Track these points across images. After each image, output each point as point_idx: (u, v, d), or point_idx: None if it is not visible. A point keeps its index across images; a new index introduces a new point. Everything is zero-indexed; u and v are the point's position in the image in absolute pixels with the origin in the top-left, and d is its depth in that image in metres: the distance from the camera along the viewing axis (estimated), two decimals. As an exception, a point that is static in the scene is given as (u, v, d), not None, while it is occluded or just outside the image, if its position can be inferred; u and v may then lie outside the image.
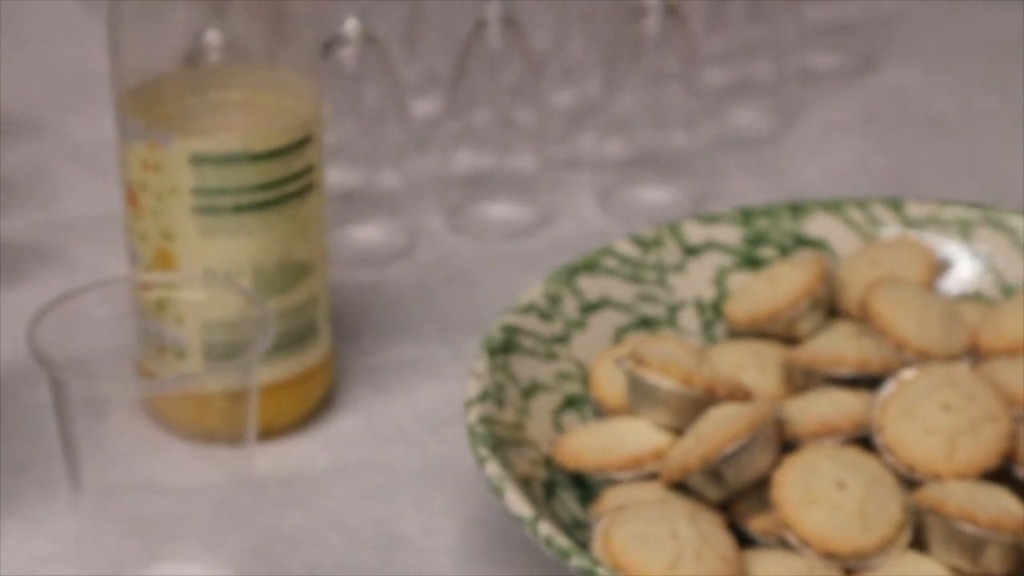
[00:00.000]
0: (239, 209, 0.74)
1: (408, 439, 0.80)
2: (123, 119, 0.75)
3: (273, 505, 0.74)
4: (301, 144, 0.75)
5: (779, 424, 0.67)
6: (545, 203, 1.00)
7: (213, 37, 0.76)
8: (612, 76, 0.99)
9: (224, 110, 0.76)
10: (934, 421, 0.65)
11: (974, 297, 0.80)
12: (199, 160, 0.73)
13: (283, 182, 0.74)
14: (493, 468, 0.63)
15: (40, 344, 0.63)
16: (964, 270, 0.81)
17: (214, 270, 0.75)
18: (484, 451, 0.64)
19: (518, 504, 0.61)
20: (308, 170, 0.76)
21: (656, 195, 1.00)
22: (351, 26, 0.91)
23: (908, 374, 0.68)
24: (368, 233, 0.96)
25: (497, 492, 0.62)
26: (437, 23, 1.05)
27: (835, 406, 0.68)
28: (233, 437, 0.67)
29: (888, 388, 0.67)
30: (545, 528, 0.60)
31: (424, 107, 1.03)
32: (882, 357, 0.71)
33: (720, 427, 0.65)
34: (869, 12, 1.23)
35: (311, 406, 0.80)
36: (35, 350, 0.63)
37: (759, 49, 1.10)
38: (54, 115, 1.09)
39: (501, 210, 0.99)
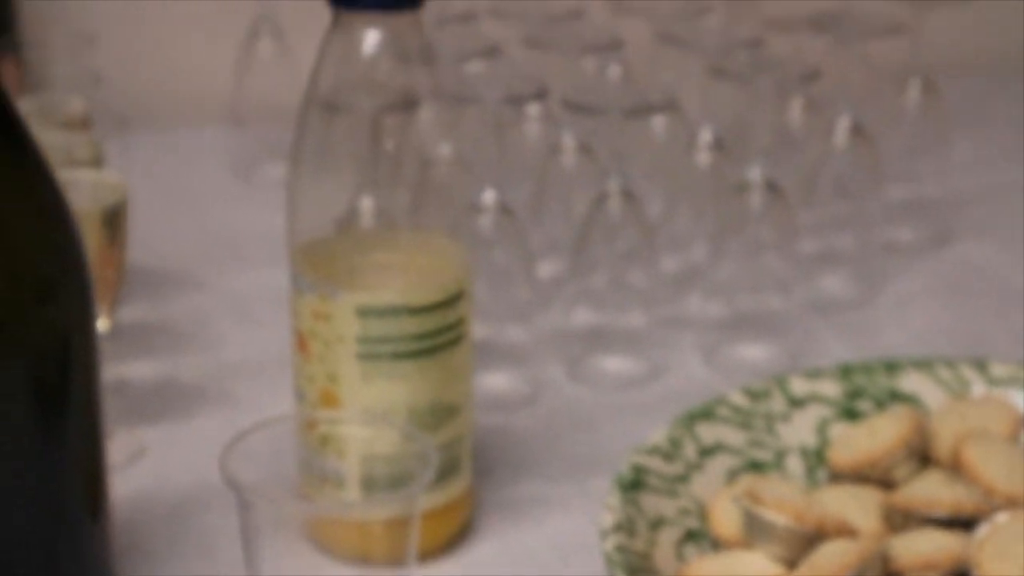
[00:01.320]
0: (397, 356, 0.75)
1: (541, 565, 0.79)
2: (296, 274, 0.77)
3: None
4: (454, 299, 0.76)
5: (884, 559, 0.68)
6: (655, 357, 1.00)
7: (367, 203, 0.78)
8: (716, 244, 1.00)
9: (385, 268, 0.77)
10: None
11: None
12: (364, 312, 0.74)
13: (437, 333, 0.76)
14: None
15: (231, 470, 0.64)
16: None
17: (375, 407, 0.75)
18: (622, 574, 0.65)
19: None
20: (459, 322, 0.77)
21: (755, 352, 1.00)
22: (488, 196, 0.93)
23: (1002, 517, 0.68)
24: (496, 381, 0.95)
25: None
26: (560, 195, 1.05)
27: (934, 544, 0.69)
28: (392, 560, 0.67)
29: (983, 529, 0.68)
30: None
31: (548, 269, 1.03)
32: (974, 502, 0.71)
33: (832, 560, 0.66)
34: (945, 191, 1.22)
35: (454, 533, 0.80)
36: (227, 475, 0.64)
37: (846, 223, 1.10)
38: (211, 270, 1.10)
39: (615, 363, 0.99)
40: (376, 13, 0.74)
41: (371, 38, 0.74)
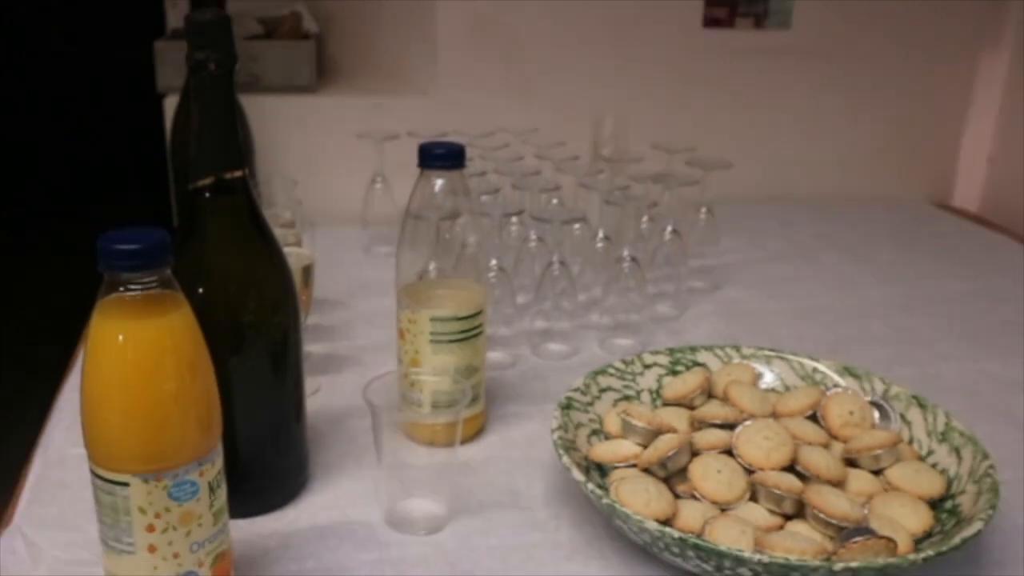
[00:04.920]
0: (450, 341, 0.75)
1: (521, 448, 0.77)
2: (400, 299, 0.76)
3: (465, 473, 0.74)
4: (478, 313, 0.76)
5: (690, 444, 0.68)
6: (575, 344, 0.95)
7: (433, 266, 0.77)
8: (605, 288, 0.97)
9: (443, 297, 0.76)
10: (760, 443, 0.66)
11: (774, 390, 0.79)
12: (434, 319, 0.74)
13: (470, 330, 0.76)
14: (566, 459, 0.64)
15: (367, 396, 0.65)
16: (768, 378, 0.80)
17: (438, 367, 0.75)
18: (561, 451, 0.65)
19: (577, 474, 0.63)
20: (480, 324, 0.77)
21: (625, 343, 0.96)
22: (492, 263, 0.92)
23: (748, 423, 0.69)
24: (496, 355, 0.93)
25: (567, 469, 0.63)
26: (528, 264, 1.00)
27: (715, 437, 0.69)
28: (447, 444, 0.68)
29: (738, 429, 0.69)
30: (590, 486, 0.62)
31: (522, 299, 0.99)
32: (734, 415, 0.71)
33: (665, 443, 0.67)
34: (718, 262, 1.15)
35: (477, 431, 0.79)
36: (366, 398, 0.65)
37: (670, 278, 1.05)
38: (353, 298, 1.07)
39: (556, 347, 0.95)
40: (439, 170, 0.74)
41: (437, 182, 0.74)
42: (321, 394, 0.86)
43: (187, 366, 0.52)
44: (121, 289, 0.50)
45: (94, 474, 0.52)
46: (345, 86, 1.42)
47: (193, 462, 0.52)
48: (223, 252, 0.65)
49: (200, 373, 0.53)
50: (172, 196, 1.16)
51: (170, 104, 1.28)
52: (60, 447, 0.76)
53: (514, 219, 1.02)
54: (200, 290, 0.61)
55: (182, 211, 0.63)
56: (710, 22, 1.41)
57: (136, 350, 0.51)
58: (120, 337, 0.50)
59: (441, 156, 0.73)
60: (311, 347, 0.95)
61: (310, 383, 0.86)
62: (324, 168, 1.34)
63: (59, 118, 3.50)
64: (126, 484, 0.51)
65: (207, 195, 0.63)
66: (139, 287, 0.50)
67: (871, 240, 1.36)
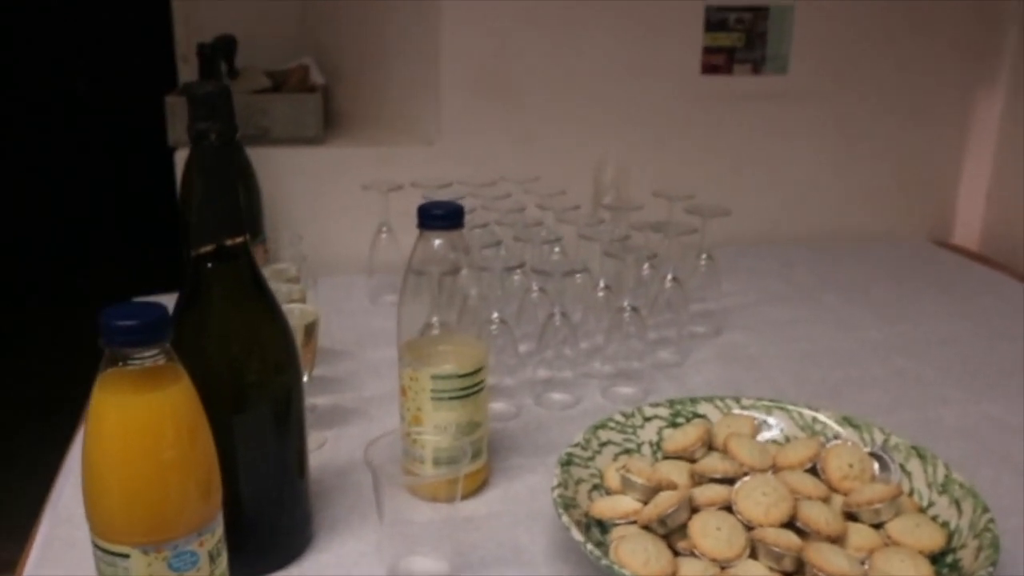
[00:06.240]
0: (451, 398, 0.74)
1: (522, 501, 0.77)
2: (401, 356, 0.76)
3: (468, 529, 0.73)
4: (479, 370, 0.75)
5: (690, 500, 0.67)
6: (578, 393, 0.95)
7: (436, 320, 0.76)
8: (607, 336, 0.96)
9: (445, 353, 0.75)
10: (758, 499, 0.66)
11: (774, 441, 0.78)
12: (435, 377, 0.74)
13: (471, 386, 0.75)
14: (566, 519, 0.64)
15: (369, 457, 0.65)
16: (769, 429, 0.79)
17: (440, 424, 0.75)
18: (561, 510, 0.65)
19: (576, 534, 0.62)
20: (481, 380, 0.76)
21: (627, 390, 0.96)
22: (495, 315, 0.92)
23: (747, 478, 0.68)
24: (500, 405, 0.92)
25: (567, 529, 0.63)
26: (530, 314, 1.02)
27: (715, 492, 0.68)
28: (448, 499, 0.67)
29: (738, 484, 0.68)
30: (589, 546, 0.61)
31: (524, 348, 0.98)
32: (734, 469, 0.70)
33: (665, 500, 0.66)
34: (719, 306, 1.14)
35: (479, 485, 0.79)
36: (367, 460, 0.64)
37: (671, 324, 1.04)
38: (359, 349, 1.06)
39: (558, 396, 0.95)
40: (439, 231, 0.74)
41: (437, 240, 0.74)
42: (327, 448, 0.86)
43: (187, 439, 0.52)
44: (121, 364, 0.50)
45: (95, 545, 0.52)
46: (352, 137, 1.43)
47: (193, 533, 0.52)
48: (225, 316, 0.65)
49: (199, 445, 0.53)
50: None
51: (180, 158, 1.29)
52: (68, 505, 0.76)
53: (516, 273, 1.02)
54: (204, 353, 0.62)
55: (185, 273, 0.64)
56: (708, 69, 1.41)
57: (136, 425, 0.51)
58: (120, 412, 0.50)
59: (440, 217, 0.73)
60: (317, 399, 0.95)
61: (316, 437, 0.87)
62: (331, 218, 1.34)
63: (73, 171, 3.51)
64: (127, 556, 0.51)
65: (209, 262, 0.63)
66: (139, 361, 0.50)
67: (872, 280, 1.35)
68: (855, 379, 1.02)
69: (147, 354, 0.50)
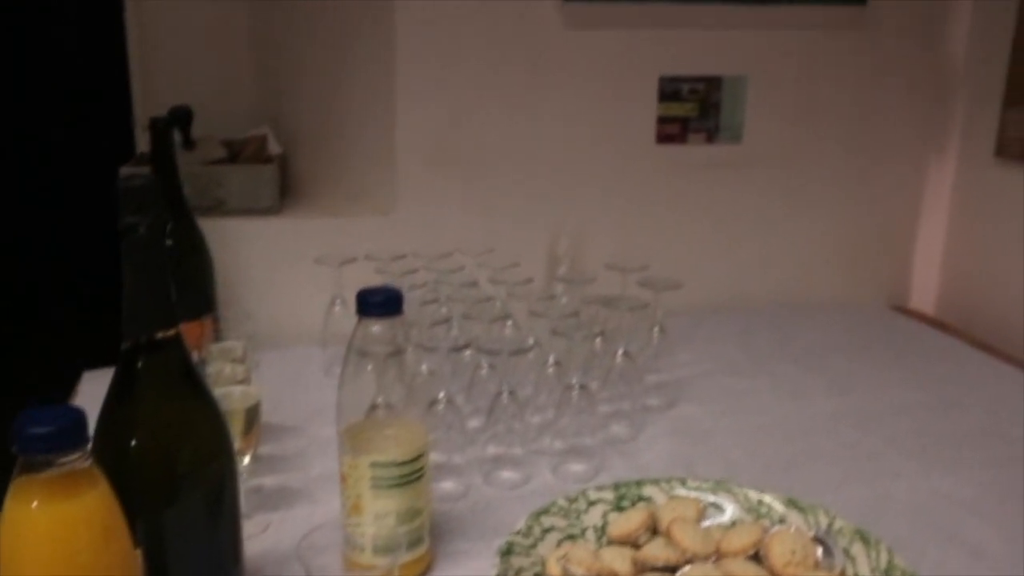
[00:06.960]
0: (390, 486, 0.73)
1: None
2: (341, 443, 0.75)
3: None
4: (420, 456, 0.74)
5: None
6: (527, 471, 0.94)
7: (380, 401, 0.75)
8: (557, 412, 0.95)
9: (386, 439, 0.74)
10: None
11: (718, 526, 0.77)
12: (374, 465, 0.73)
13: (410, 474, 0.74)
14: None
15: (303, 552, 0.63)
16: (714, 512, 0.79)
17: (380, 512, 0.73)
18: None
19: None
20: (422, 467, 0.75)
21: (578, 468, 0.95)
22: (440, 395, 0.91)
23: (689, 568, 0.69)
24: (446, 485, 0.91)
25: None
26: (480, 392, 1.00)
27: None
28: None
29: (683, 571, 0.68)
30: None
31: (473, 425, 0.98)
32: (676, 556, 0.70)
33: None
34: (672, 378, 1.15)
35: (422, 571, 0.77)
36: (300, 555, 0.63)
37: (623, 397, 1.04)
38: (307, 424, 1.04)
39: (508, 474, 0.94)
40: (378, 318, 0.74)
41: (377, 325, 0.73)
42: (270, 533, 0.84)
43: (103, 544, 0.51)
44: (34, 471, 0.49)
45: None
46: (307, 207, 1.43)
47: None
48: (156, 407, 0.64)
49: (117, 550, 0.52)
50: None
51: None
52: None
53: (464, 352, 1.00)
54: (133, 444, 0.62)
55: (117, 365, 0.63)
56: (663, 138, 1.43)
57: (51, 532, 0.49)
58: (34, 520, 0.49)
59: (378, 304, 0.73)
60: (264, 479, 0.93)
61: (259, 521, 0.86)
62: (286, 289, 1.33)
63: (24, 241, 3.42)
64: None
65: (139, 354, 0.63)
66: (54, 468, 0.49)
67: (828, 347, 1.36)
68: (806, 452, 1.01)
69: (63, 460, 0.49)
